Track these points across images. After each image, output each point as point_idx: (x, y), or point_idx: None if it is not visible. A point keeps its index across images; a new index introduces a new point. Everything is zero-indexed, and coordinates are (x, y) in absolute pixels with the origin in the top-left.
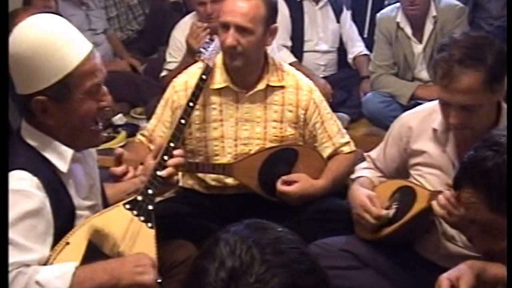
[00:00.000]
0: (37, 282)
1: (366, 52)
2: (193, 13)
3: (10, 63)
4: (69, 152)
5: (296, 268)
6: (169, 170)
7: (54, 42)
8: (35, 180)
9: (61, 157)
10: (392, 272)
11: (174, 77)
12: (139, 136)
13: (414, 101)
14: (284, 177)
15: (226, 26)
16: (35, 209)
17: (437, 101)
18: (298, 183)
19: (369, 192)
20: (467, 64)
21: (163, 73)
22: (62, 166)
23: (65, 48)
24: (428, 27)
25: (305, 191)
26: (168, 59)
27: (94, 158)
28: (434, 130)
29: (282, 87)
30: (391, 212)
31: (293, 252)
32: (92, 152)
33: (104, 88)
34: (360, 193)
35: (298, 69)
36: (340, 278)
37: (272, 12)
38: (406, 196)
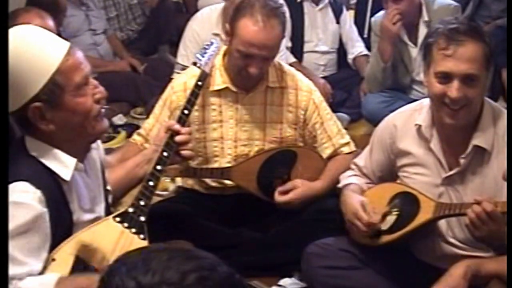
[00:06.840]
0: None
1: (366, 52)
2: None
3: None
4: (72, 160)
5: None
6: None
7: (27, 49)
8: (38, 193)
9: (64, 165)
10: (392, 272)
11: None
12: (135, 136)
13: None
14: (280, 188)
15: (249, 56)
16: (33, 223)
17: (420, 101)
18: (296, 189)
19: (362, 198)
20: (471, 34)
21: (176, 70)
22: (65, 174)
23: (43, 51)
24: (422, 30)
25: (305, 195)
26: (182, 51)
27: (98, 168)
28: (418, 127)
29: (282, 87)
30: (389, 220)
31: None
32: (96, 164)
33: (94, 81)
34: (352, 200)
35: (298, 70)
36: (340, 278)
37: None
38: (408, 203)
